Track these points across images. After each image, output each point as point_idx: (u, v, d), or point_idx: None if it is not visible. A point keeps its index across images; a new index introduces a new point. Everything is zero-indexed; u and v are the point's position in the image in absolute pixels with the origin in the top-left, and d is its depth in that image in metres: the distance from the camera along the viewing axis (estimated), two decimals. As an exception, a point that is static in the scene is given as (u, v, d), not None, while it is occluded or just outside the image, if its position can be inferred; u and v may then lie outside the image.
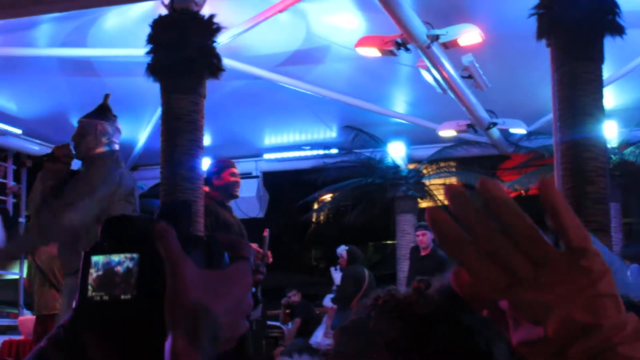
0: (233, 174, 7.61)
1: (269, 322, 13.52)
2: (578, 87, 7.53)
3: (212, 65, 7.61)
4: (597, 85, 7.62)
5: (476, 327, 1.74)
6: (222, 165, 7.74)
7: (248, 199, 15.03)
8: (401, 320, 1.71)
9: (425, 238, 11.19)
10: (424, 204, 15.87)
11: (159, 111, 8.65)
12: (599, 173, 7.52)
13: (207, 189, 7.95)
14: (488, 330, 1.77)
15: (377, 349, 1.71)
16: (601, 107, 7.66)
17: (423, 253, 11.31)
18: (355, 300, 11.49)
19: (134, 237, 1.11)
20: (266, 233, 8.93)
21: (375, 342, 1.71)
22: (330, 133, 14.54)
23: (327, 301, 13.12)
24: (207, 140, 12.86)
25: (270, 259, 9.05)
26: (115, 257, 1.08)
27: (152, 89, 8.45)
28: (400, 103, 13.18)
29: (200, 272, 1.08)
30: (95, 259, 1.09)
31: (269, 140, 15.06)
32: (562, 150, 7.64)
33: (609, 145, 10.34)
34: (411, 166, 15.47)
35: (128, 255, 1.09)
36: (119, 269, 1.07)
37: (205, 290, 1.07)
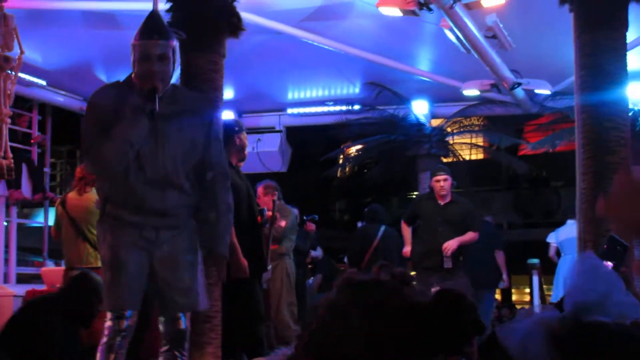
0: (245, 138, 7.72)
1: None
2: (600, 56, 7.46)
3: (232, 24, 7.55)
4: (620, 53, 7.53)
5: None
6: (241, 126, 7.79)
7: (271, 153, 15.06)
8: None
9: (447, 184, 10.25)
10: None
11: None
12: (619, 143, 7.47)
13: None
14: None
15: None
16: (624, 76, 7.58)
17: (443, 202, 10.25)
18: (365, 261, 11.56)
19: None
20: (274, 197, 8.96)
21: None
22: (354, 89, 14.44)
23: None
24: (229, 94, 12.91)
25: (282, 223, 9.06)
26: None
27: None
28: (424, 61, 13.06)
29: None
30: None
31: (292, 95, 14.97)
32: (583, 119, 7.61)
33: (635, 107, 10.20)
34: (435, 123, 15.41)
35: None
36: None
37: None
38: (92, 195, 9.69)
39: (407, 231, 10.71)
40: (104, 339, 5.04)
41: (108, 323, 5.07)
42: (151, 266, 5.12)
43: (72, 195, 10.05)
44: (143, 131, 5.08)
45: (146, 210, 5.12)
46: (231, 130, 7.59)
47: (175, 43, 5.29)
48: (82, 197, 9.86)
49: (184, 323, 5.22)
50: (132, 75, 5.29)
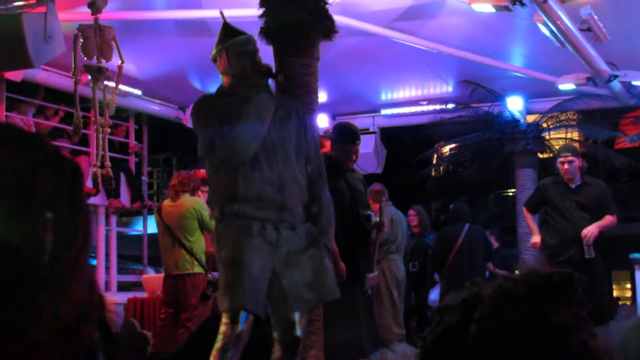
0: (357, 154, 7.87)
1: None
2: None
3: (325, 27, 7.55)
4: None
5: (567, 325, 1.71)
6: (359, 137, 7.91)
7: (365, 155, 15.01)
8: (494, 329, 1.69)
9: (573, 166, 9.20)
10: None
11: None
12: None
13: (328, 149, 7.99)
14: (580, 328, 1.74)
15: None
16: None
17: (573, 184, 9.24)
18: (449, 261, 11.50)
19: None
20: (382, 204, 8.97)
21: (471, 354, 1.69)
22: (447, 88, 14.34)
23: None
24: (323, 97, 12.92)
25: (385, 229, 9.04)
26: None
27: (268, 48, 8.46)
28: (517, 56, 12.91)
29: None
30: None
31: (385, 95, 14.96)
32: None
33: None
34: (530, 119, 15.22)
35: None
36: None
37: None
38: (186, 201, 9.79)
39: (530, 220, 9.85)
40: (218, 344, 5.02)
41: (223, 328, 5.05)
42: (273, 270, 5.13)
43: (166, 202, 10.18)
44: (271, 110, 5.23)
45: (267, 201, 5.15)
46: (352, 137, 7.84)
47: None
48: (176, 204, 9.97)
49: (299, 329, 5.24)
50: (227, 81, 5.51)
